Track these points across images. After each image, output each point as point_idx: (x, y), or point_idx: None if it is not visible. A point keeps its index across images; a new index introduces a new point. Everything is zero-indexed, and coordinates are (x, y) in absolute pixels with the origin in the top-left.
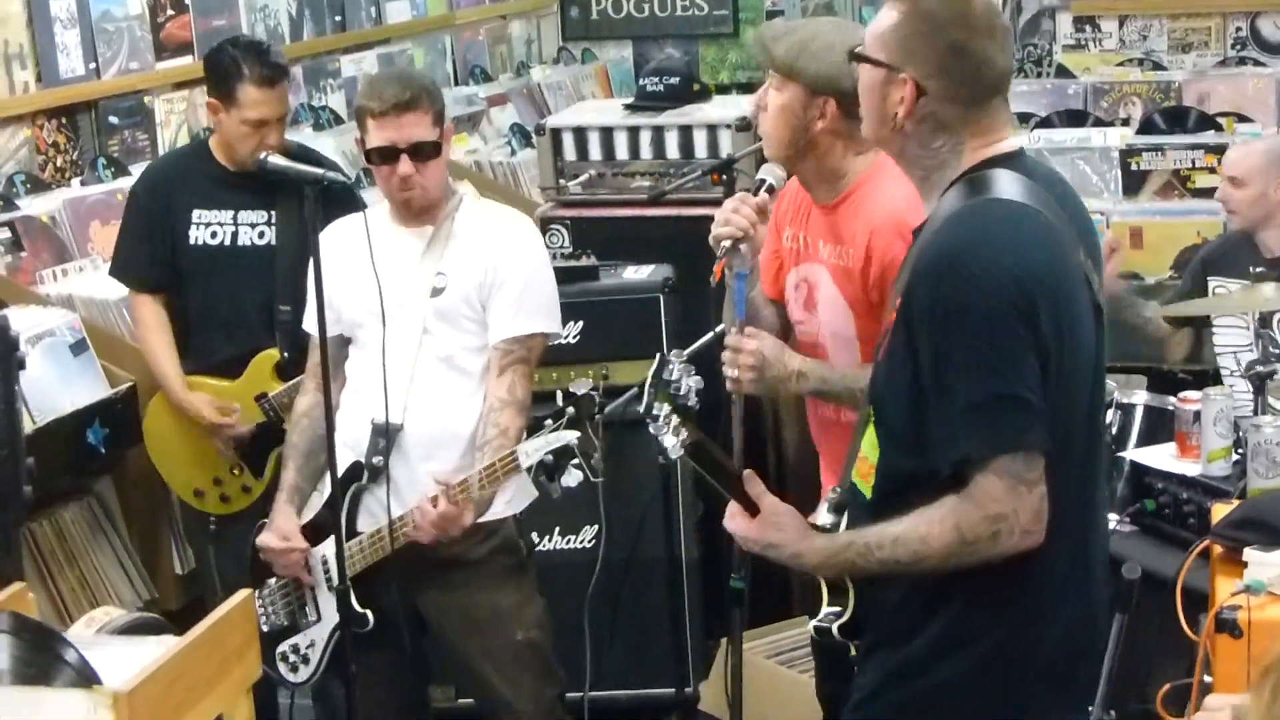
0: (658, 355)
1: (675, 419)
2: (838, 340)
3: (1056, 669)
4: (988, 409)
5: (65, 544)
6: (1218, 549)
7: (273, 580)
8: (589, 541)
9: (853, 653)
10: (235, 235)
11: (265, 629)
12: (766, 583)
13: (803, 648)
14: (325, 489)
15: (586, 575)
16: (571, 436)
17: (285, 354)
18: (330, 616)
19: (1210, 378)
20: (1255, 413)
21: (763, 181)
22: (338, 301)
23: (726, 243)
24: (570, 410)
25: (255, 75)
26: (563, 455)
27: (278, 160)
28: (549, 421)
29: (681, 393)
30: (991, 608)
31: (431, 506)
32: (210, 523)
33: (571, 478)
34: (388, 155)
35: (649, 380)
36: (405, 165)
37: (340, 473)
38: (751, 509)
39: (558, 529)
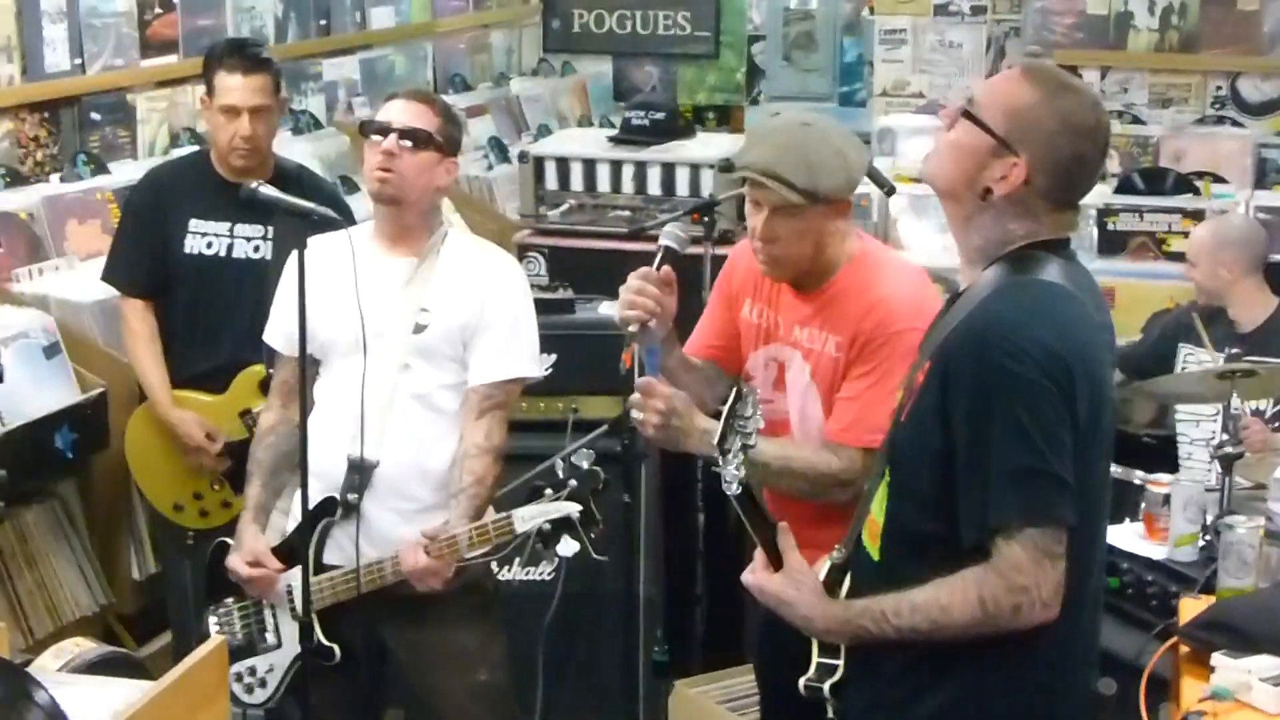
0: (734, 387)
1: (743, 455)
2: (804, 422)
3: None
4: (1023, 480)
5: (26, 546)
6: (1184, 647)
7: (230, 599)
8: (548, 574)
9: (830, 715)
10: (231, 247)
11: None
12: (725, 628)
13: (754, 695)
14: (291, 508)
15: (544, 607)
16: (573, 509)
17: (271, 370)
18: (291, 644)
19: (1173, 444)
20: (1222, 496)
21: (667, 249)
22: (313, 322)
23: (634, 326)
24: (573, 482)
25: (229, 63)
26: (562, 526)
27: (268, 191)
28: (549, 490)
29: (748, 430)
30: (1003, 675)
31: (418, 556)
32: (188, 537)
33: (567, 548)
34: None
35: (725, 412)
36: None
37: (313, 505)
38: (776, 562)
39: (518, 560)
